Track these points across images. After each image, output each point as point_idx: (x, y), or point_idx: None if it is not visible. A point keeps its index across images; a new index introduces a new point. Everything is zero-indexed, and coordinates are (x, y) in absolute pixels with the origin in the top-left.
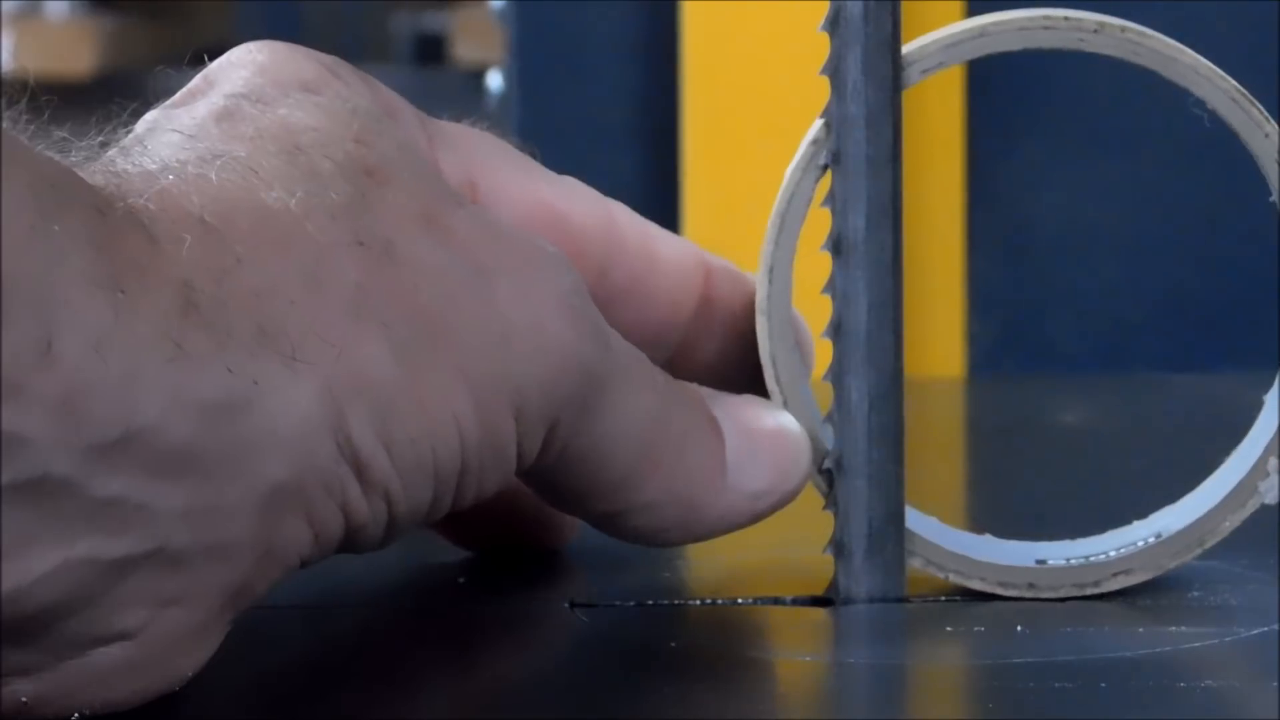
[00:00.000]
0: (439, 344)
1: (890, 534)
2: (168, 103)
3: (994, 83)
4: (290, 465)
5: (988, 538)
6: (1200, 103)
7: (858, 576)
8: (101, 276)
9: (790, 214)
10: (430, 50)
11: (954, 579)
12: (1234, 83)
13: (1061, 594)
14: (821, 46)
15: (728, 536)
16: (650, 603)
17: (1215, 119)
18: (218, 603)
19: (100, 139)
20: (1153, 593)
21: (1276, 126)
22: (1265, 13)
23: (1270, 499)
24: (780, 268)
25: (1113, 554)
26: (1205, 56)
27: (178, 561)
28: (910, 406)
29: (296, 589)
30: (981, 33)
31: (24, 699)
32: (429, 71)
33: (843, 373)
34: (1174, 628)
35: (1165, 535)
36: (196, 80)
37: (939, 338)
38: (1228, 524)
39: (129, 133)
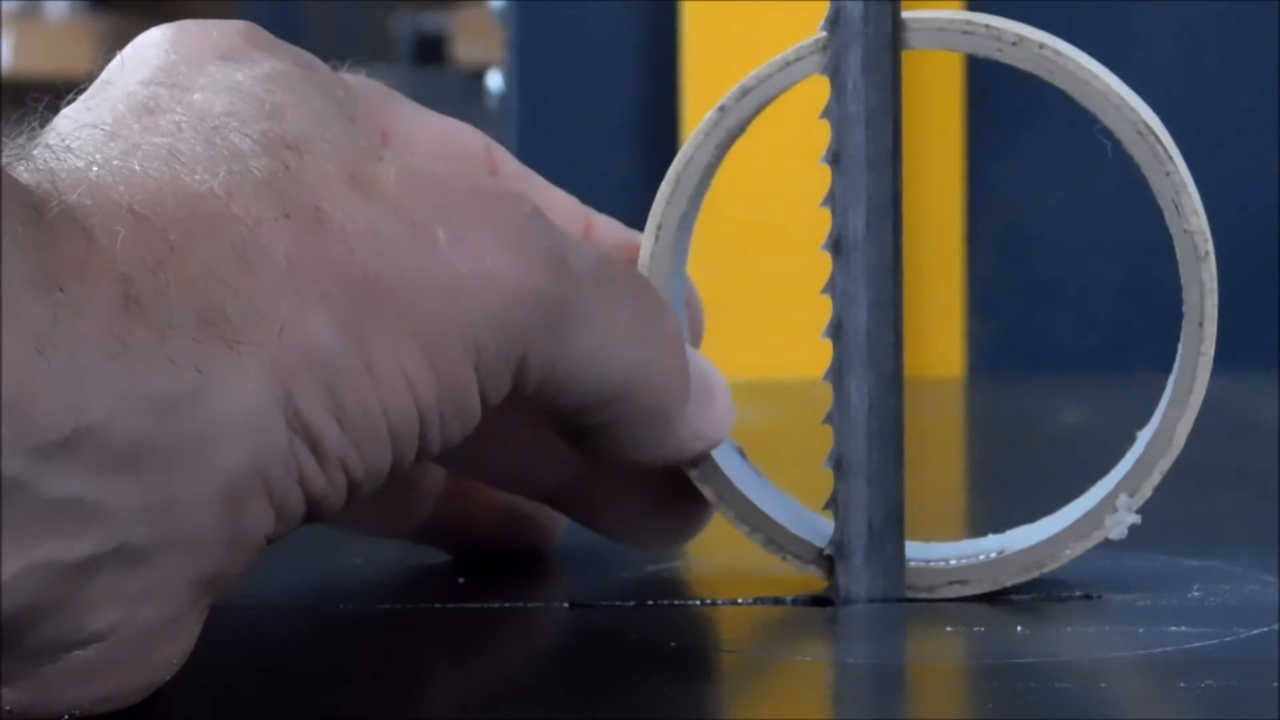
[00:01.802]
0: (382, 305)
1: (890, 534)
2: (85, 95)
3: (994, 83)
4: (245, 451)
5: (831, 524)
6: (1106, 130)
7: (858, 576)
8: (41, 276)
9: (686, 175)
10: (430, 50)
11: (791, 561)
12: (1142, 115)
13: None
14: None
15: (728, 536)
16: (650, 603)
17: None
18: (189, 595)
19: (25, 138)
20: (1153, 593)
21: (1178, 165)
22: (1265, 13)
23: (1115, 535)
24: (667, 227)
25: (952, 563)
26: (1205, 56)
27: (142, 558)
28: (910, 406)
29: (296, 589)
30: (903, 27)
31: (8, 707)
32: (429, 71)
33: (843, 373)
34: (1174, 628)
35: (1006, 553)
36: (111, 67)
37: (939, 338)
38: (1069, 551)
39: (51, 130)
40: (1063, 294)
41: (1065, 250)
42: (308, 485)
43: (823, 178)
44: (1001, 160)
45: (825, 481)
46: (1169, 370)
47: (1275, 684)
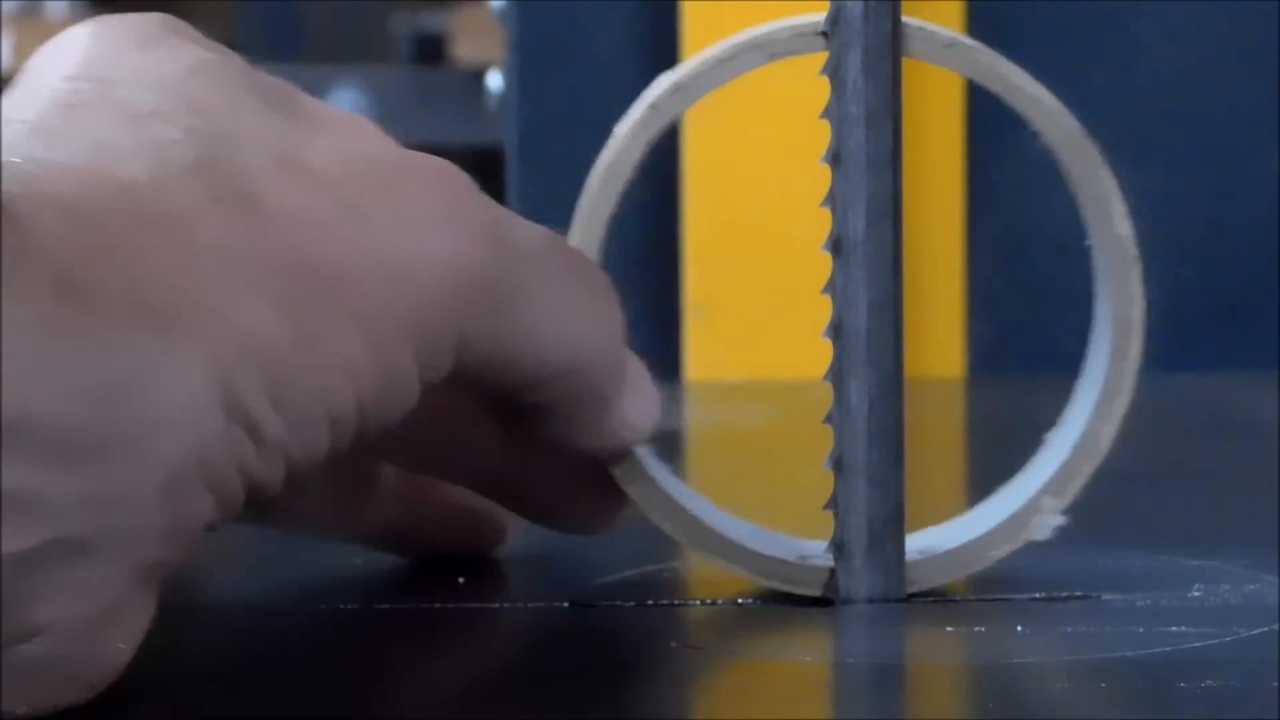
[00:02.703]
0: (321, 290)
1: (890, 534)
2: (7, 93)
3: None
4: (185, 441)
5: (755, 527)
6: (1040, 135)
7: (858, 576)
8: None
9: (615, 173)
10: (430, 50)
11: (718, 561)
12: (1076, 122)
13: (819, 593)
14: None
15: None
16: (650, 603)
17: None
18: (131, 585)
19: None
20: (1153, 593)
21: (1108, 171)
22: (1264, 13)
23: (1039, 536)
24: (595, 224)
25: None
26: (1204, 56)
27: (83, 549)
28: (910, 406)
29: (296, 589)
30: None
31: None
32: (429, 71)
33: (843, 373)
34: (1174, 628)
35: (930, 554)
36: (33, 63)
37: (939, 338)
38: (995, 553)
39: None
40: (1063, 294)
41: (1065, 250)
42: (247, 473)
43: (823, 178)
44: (1001, 160)
45: (825, 481)
46: (1168, 370)
47: (1275, 684)
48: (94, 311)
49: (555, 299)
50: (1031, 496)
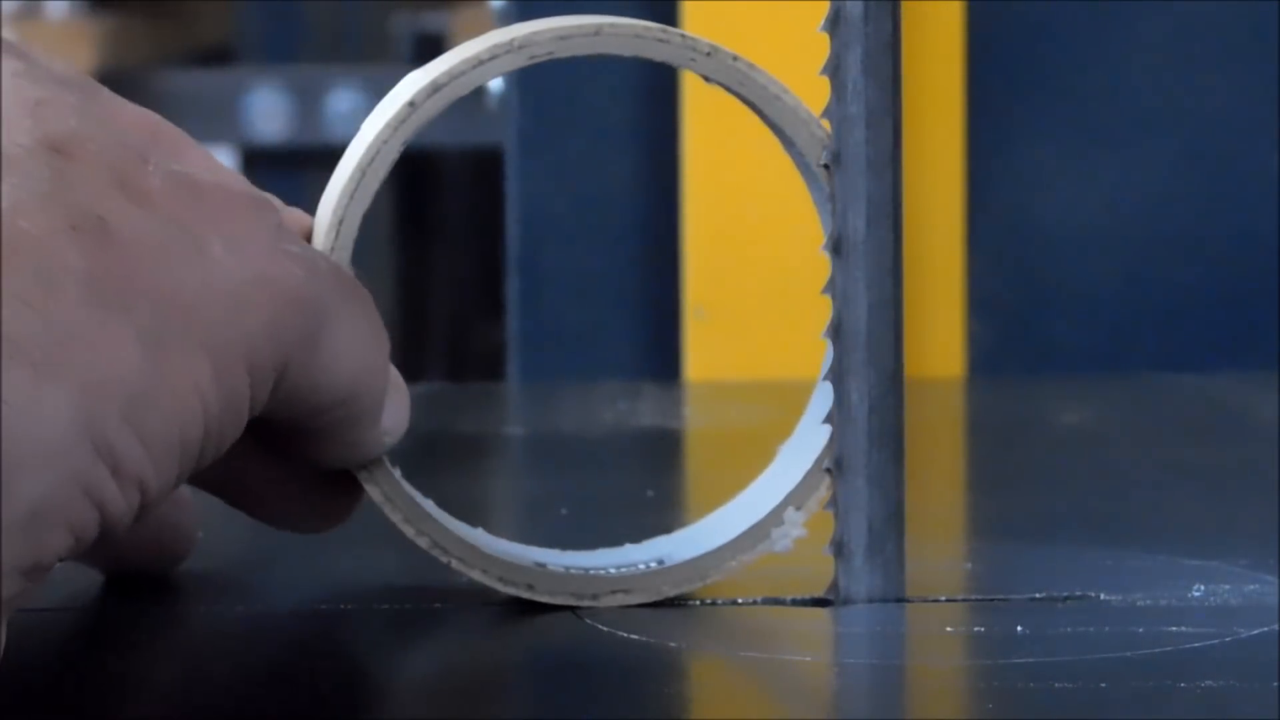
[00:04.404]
0: (176, 318)
1: (890, 534)
2: None
3: (994, 82)
4: (50, 478)
5: (481, 532)
6: (791, 143)
7: (858, 576)
8: None
9: (372, 171)
10: (430, 50)
11: (456, 565)
12: (826, 131)
13: (559, 600)
14: (821, 46)
15: None
16: (650, 603)
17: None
18: None
19: None
20: (1153, 593)
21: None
22: (1265, 13)
23: (781, 547)
24: (350, 222)
25: (613, 571)
26: (1204, 56)
27: None
28: (910, 406)
29: (296, 590)
30: (596, 31)
31: None
32: None
33: (843, 373)
34: (1174, 628)
35: (668, 563)
36: None
37: (939, 338)
38: (734, 563)
39: None
40: (1063, 294)
41: (1065, 250)
42: (105, 508)
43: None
44: (1001, 160)
45: None
46: (1169, 370)
47: (1275, 684)
48: None
49: (351, 326)
50: (773, 507)
